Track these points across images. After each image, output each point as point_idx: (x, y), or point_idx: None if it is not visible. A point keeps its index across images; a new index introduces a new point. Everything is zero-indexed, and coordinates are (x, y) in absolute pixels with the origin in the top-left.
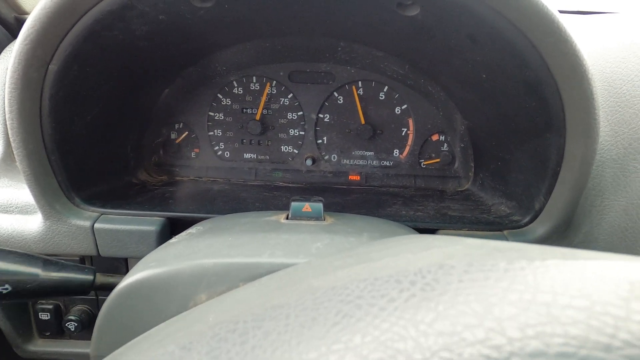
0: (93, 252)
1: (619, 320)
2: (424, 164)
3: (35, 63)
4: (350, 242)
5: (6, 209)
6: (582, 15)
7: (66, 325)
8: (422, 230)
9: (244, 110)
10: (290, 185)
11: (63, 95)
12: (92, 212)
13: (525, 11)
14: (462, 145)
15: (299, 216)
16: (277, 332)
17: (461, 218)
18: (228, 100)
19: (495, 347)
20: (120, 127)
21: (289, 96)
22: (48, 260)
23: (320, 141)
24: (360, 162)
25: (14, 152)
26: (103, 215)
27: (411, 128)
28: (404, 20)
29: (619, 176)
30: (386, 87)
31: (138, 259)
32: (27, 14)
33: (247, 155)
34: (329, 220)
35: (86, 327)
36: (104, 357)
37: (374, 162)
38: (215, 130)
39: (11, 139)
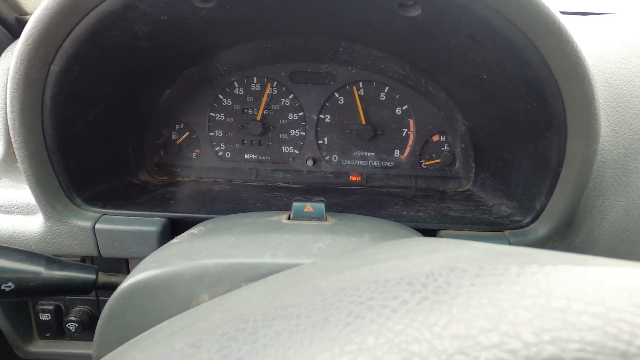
0: (94, 253)
1: (635, 327)
2: (424, 165)
3: (37, 63)
4: (352, 243)
5: (7, 210)
6: (580, 16)
7: (66, 326)
8: (423, 231)
9: (245, 110)
10: (291, 185)
11: (64, 96)
12: (93, 212)
13: (527, 11)
14: (462, 145)
15: (301, 216)
16: (288, 331)
17: (462, 218)
18: (229, 100)
19: (511, 352)
20: (121, 127)
21: (290, 97)
22: (51, 259)
23: (321, 142)
24: (361, 162)
25: (16, 153)
26: (104, 216)
27: (412, 128)
28: (405, 20)
29: (619, 176)
30: (387, 88)
31: (139, 259)
32: (28, 14)
33: (248, 156)
34: (331, 220)
35: (87, 327)
36: None
37: (375, 162)
38: (216, 131)
39: (12, 140)
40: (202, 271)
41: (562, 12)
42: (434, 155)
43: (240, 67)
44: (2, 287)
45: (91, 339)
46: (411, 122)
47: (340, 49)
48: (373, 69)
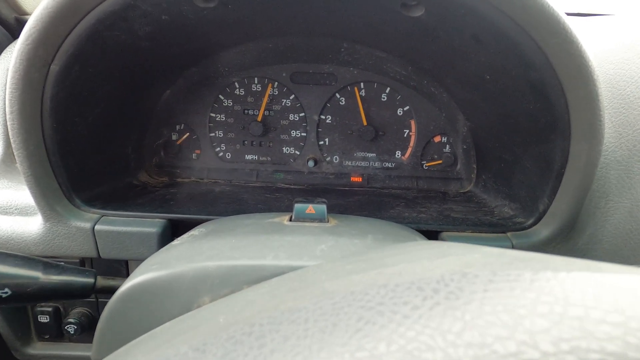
0: (93, 254)
1: None
2: (426, 166)
3: (36, 63)
4: (355, 245)
5: (6, 211)
6: (579, 17)
7: (65, 328)
8: (425, 232)
9: (246, 111)
10: (291, 186)
11: (64, 96)
12: (93, 213)
13: (531, 11)
14: (464, 146)
15: (303, 218)
16: (296, 336)
17: (464, 220)
18: (230, 101)
19: None
20: (121, 128)
21: (291, 97)
22: (48, 264)
23: (322, 142)
24: (362, 163)
25: (15, 153)
26: (104, 217)
27: (413, 129)
28: (408, 20)
29: (623, 178)
30: (388, 89)
31: (139, 261)
32: (28, 14)
33: (249, 157)
34: (333, 222)
35: (86, 330)
36: None
37: (376, 163)
38: (217, 132)
39: (12, 140)
40: (203, 273)
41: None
42: (436, 157)
43: (241, 67)
44: None
45: (90, 341)
46: (413, 123)
47: (342, 50)
48: (374, 69)
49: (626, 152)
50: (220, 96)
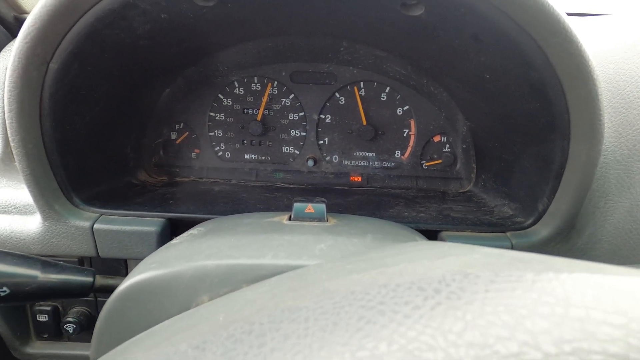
0: (92, 253)
1: None
2: (425, 165)
3: (35, 61)
4: (354, 244)
5: (5, 210)
6: (577, 17)
7: (64, 327)
8: (424, 232)
9: (245, 110)
10: (291, 186)
11: (63, 95)
12: (92, 212)
13: (531, 11)
14: (464, 146)
15: (302, 217)
16: (296, 335)
17: (464, 220)
18: (229, 100)
19: None
20: (120, 127)
21: (291, 97)
22: (47, 262)
23: (321, 142)
24: (362, 163)
25: (13, 152)
26: (103, 216)
27: (413, 129)
28: (408, 20)
29: (623, 178)
30: (388, 88)
31: (138, 260)
32: (27, 13)
33: (248, 156)
34: (332, 221)
35: (85, 329)
36: None
37: (376, 163)
38: (216, 131)
39: (10, 139)
40: (202, 272)
41: None
42: (435, 156)
43: (240, 66)
44: None
45: (89, 340)
46: (412, 122)
47: (342, 49)
48: (374, 69)
49: (626, 152)
50: (220, 95)
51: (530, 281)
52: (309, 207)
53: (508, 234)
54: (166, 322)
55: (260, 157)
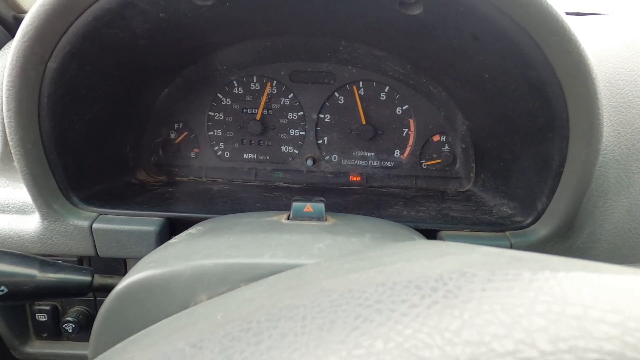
0: (91, 253)
1: None
2: (425, 165)
3: (33, 61)
4: (353, 243)
5: (3, 209)
6: (576, 17)
7: (63, 326)
8: (423, 231)
9: (244, 110)
10: (290, 185)
11: (61, 94)
12: (91, 212)
13: (530, 9)
14: (463, 145)
15: (301, 216)
16: (294, 333)
17: (463, 219)
18: (228, 100)
19: None
20: (119, 126)
21: (290, 96)
22: (45, 262)
23: (320, 141)
24: (361, 162)
25: (12, 151)
26: (101, 216)
27: (412, 128)
28: (407, 19)
29: (622, 177)
30: (387, 87)
31: (137, 259)
32: (26, 12)
33: (247, 156)
34: (331, 220)
35: (84, 328)
36: None
37: (375, 162)
38: (215, 130)
39: (9, 138)
40: (200, 271)
41: None
42: (435, 156)
43: (239, 66)
44: None
45: (88, 340)
46: (411, 122)
47: (341, 48)
48: (373, 68)
49: (625, 151)
50: (219, 95)
51: (527, 280)
52: (308, 207)
53: (507, 233)
54: (164, 320)
55: (259, 157)
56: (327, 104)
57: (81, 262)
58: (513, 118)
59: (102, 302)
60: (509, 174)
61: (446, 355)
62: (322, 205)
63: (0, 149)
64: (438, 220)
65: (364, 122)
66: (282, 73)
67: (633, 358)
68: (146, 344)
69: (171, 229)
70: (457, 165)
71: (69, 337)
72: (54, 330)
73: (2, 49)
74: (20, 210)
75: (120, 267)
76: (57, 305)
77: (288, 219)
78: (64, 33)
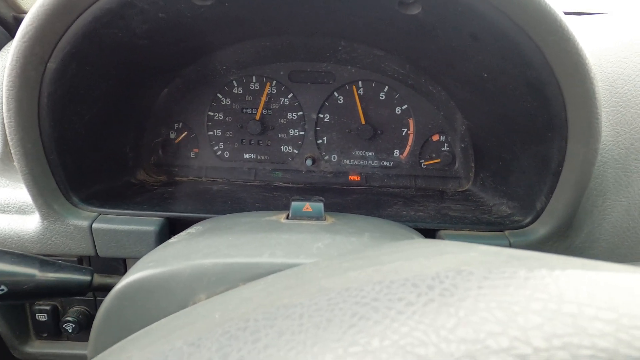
0: (91, 253)
1: None
2: (424, 164)
3: (33, 61)
4: (352, 242)
5: (3, 209)
6: (573, 16)
7: (63, 326)
8: (422, 231)
9: (244, 110)
10: (290, 185)
11: (61, 94)
12: (91, 212)
13: (528, 9)
14: (462, 145)
15: (300, 216)
16: (290, 331)
17: (462, 218)
18: (228, 100)
19: (521, 357)
20: (118, 126)
21: (289, 96)
22: (45, 261)
23: (320, 141)
24: (361, 162)
25: (12, 152)
26: (101, 215)
27: (411, 128)
28: (406, 19)
29: (620, 176)
30: (386, 87)
31: (136, 259)
32: (26, 13)
33: (247, 155)
34: (330, 220)
35: (84, 328)
36: None
37: (374, 162)
38: (215, 130)
39: (9, 138)
40: (199, 271)
41: None
42: (434, 155)
43: (239, 66)
44: None
45: (88, 340)
46: (411, 121)
47: (340, 48)
48: (372, 68)
49: (623, 151)
50: (219, 95)
51: (524, 278)
52: (307, 206)
53: (506, 232)
54: (163, 320)
55: (259, 157)
56: (327, 103)
57: (81, 262)
58: (512, 118)
59: (102, 302)
60: (508, 173)
61: (441, 352)
62: (321, 205)
63: (0, 149)
64: (437, 219)
65: (363, 121)
66: (282, 73)
67: (626, 354)
68: (144, 344)
69: (171, 228)
70: (457, 165)
71: (69, 337)
72: (54, 330)
73: (2, 49)
74: (20, 210)
75: (120, 267)
76: (57, 305)
77: (287, 218)
78: (64, 33)
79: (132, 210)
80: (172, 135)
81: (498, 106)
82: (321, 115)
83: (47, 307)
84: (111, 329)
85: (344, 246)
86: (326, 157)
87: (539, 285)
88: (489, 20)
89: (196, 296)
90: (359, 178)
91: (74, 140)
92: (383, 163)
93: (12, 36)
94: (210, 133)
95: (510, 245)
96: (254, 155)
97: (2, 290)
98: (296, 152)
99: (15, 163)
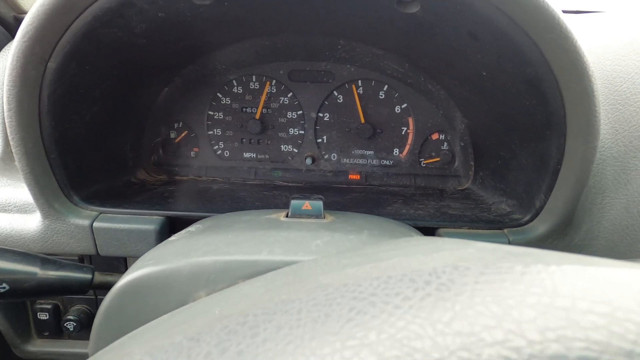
0: (92, 251)
1: None
2: (424, 163)
3: (33, 60)
4: (351, 240)
5: (5, 208)
6: (571, 15)
7: (65, 325)
8: (422, 229)
9: (244, 109)
10: (289, 184)
11: (61, 94)
12: (91, 211)
13: (526, 7)
14: (462, 144)
15: (299, 214)
16: (289, 326)
17: (461, 217)
18: (227, 99)
19: (515, 349)
20: (119, 125)
21: (289, 95)
22: (46, 259)
23: (320, 140)
24: (360, 161)
25: (13, 151)
26: (102, 214)
27: (411, 127)
28: (404, 17)
29: (619, 174)
30: (386, 86)
31: (137, 258)
32: (26, 13)
33: (247, 155)
34: (329, 218)
35: (85, 327)
36: None
37: (374, 161)
38: (215, 130)
39: (10, 138)
40: (199, 269)
41: None
42: (434, 154)
43: (238, 65)
44: None
45: (89, 338)
46: (410, 120)
47: (339, 47)
48: (372, 67)
49: (622, 149)
50: (219, 94)
51: (520, 273)
52: (306, 204)
53: (505, 230)
54: (163, 316)
55: (258, 156)
56: (326, 102)
57: (82, 260)
58: (511, 116)
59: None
60: (507, 171)
61: (437, 345)
62: (320, 203)
63: (1, 148)
64: (437, 218)
65: (363, 120)
66: (281, 72)
67: (619, 347)
68: (144, 339)
69: (171, 227)
70: (456, 164)
71: (70, 336)
72: (55, 329)
73: (3, 49)
74: (22, 209)
75: (120, 265)
76: (59, 303)
77: (286, 216)
78: (64, 33)
79: (133, 209)
80: (172, 135)
81: (497, 104)
82: (321, 114)
83: (49, 306)
84: (112, 327)
85: (343, 244)
86: (326, 156)
87: (534, 280)
88: (488, 18)
89: (196, 293)
90: (358, 177)
91: (74, 140)
92: (383, 162)
93: (13, 36)
94: (210, 132)
95: (510, 243)
96: (254, 155)
97: (4, 288)
98: (296, 151)
99: (17, 162)
